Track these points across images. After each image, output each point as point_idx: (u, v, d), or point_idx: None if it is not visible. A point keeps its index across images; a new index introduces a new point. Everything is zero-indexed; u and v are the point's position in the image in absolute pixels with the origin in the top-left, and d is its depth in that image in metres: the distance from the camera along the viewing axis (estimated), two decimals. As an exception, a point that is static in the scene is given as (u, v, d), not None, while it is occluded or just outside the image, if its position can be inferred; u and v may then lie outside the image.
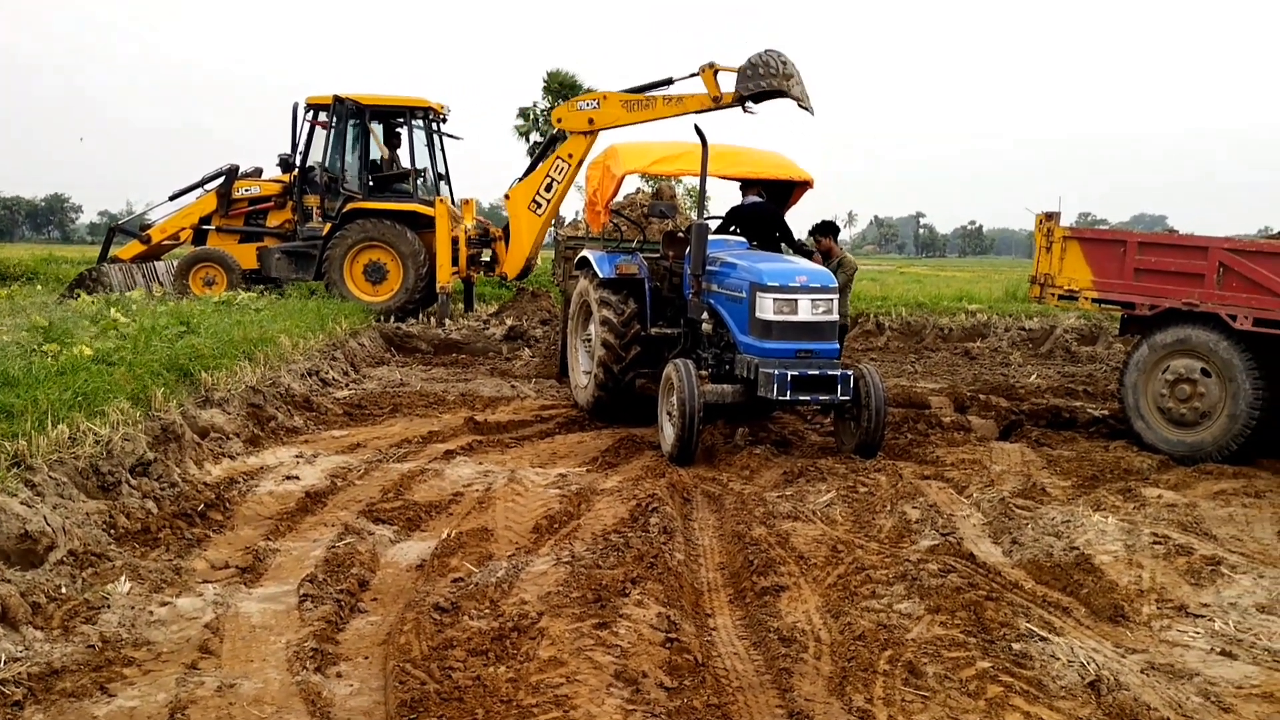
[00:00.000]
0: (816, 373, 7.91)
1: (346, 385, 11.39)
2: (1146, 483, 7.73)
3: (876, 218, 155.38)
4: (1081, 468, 8.22)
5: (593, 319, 9.68)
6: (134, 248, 17.84)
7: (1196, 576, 5.47)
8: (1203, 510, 6.86)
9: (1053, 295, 9.70)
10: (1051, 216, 9.75)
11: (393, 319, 16.11)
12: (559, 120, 14.88)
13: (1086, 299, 9.49)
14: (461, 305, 18.61)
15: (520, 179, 16.66)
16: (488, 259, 18.17)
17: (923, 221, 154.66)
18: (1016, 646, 4.45)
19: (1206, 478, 8.06)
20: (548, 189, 15.47)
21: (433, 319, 16.45)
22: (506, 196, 16.79)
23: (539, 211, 15.63)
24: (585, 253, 10.14)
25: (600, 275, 9.49)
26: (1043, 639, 4.55)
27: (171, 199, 17.80)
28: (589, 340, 10.05)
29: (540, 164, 15.78)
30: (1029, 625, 4.69)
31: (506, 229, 17.87)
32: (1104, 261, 9.35)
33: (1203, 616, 5.01)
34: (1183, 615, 5.03)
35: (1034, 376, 13.64)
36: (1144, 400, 9.08)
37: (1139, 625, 4.91)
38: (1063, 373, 14.22)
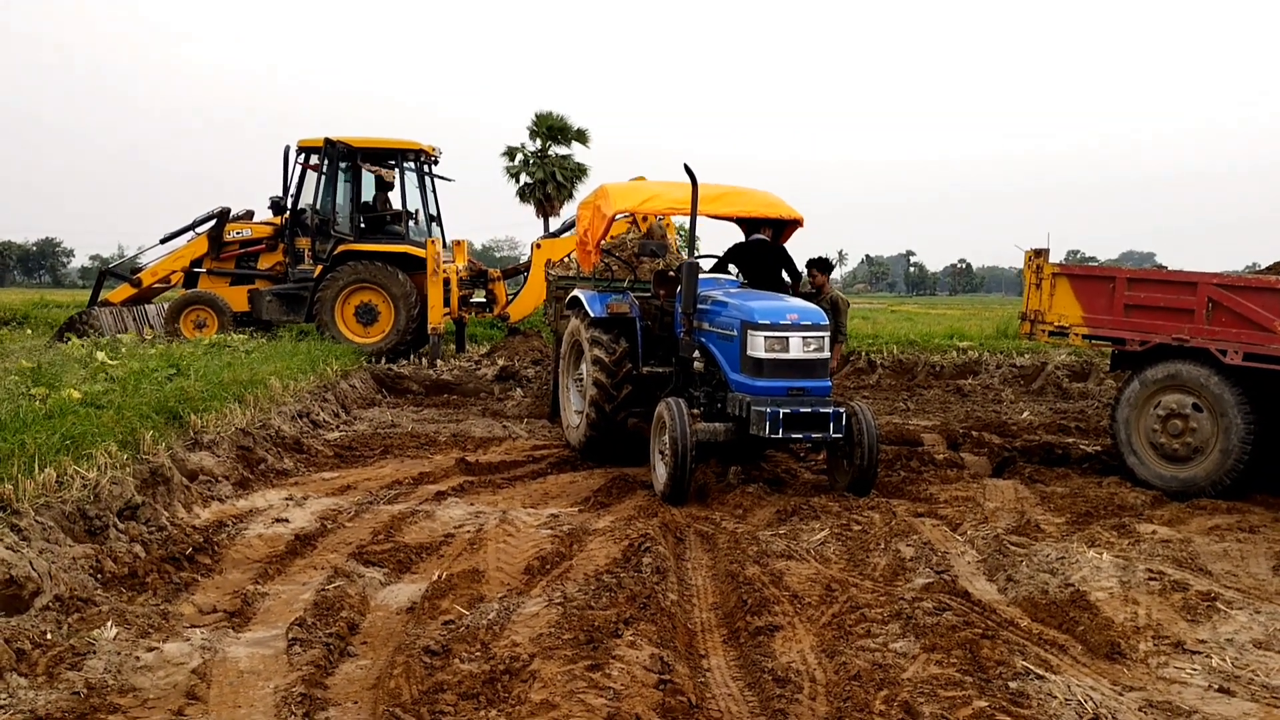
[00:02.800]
0: (808, 410, 7.90)
1: (337, 427, 11.34)
2: (1141, 519, 7.71)
3: (868, 256, 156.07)
4: (1075, 504, 8.20)
5: (584, 358, 9.67)
6: (125, 291, 17.81)
7: (1193, 613, 5.43)
8: (1197, 546, 6.83)
9: (1043, 332, 9.73)
10: (1041, 254, 9.80)
11: (384, 360, 16.10)
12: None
13: (1077, 335, 9.52)
14: (453, 346, 18.62)
15: (553, 234, 17.05)
16: (481, 300, 18.23)
17: (913, 260, 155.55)
18: (1013, 685, 4.40)
19: (1200, 513, 8.03)
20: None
21: (424, 360, 16.44)
22: (537, 245, 17.10)
23: (552, 266, 16.13)
24: (576, 292, 10.15)
25: (591, 314, 9.50)
26: (1039, 677, 4.50)
27: (162, 242, 17.83)
28: (580, 380, 10.03)
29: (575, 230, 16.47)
30: (1025, 663, 4.65)
31: (509, 271, 18.09)
32: (1094, 298, 9.39)
33: (1199, 653, 4.97)
34: (1180, 652, 4.99)
35: (1026, 413, 13.64)
36: (1136, 436, 9.08)
37: (1136, 662, 4.87)
38: (1055, 409, 14.23)
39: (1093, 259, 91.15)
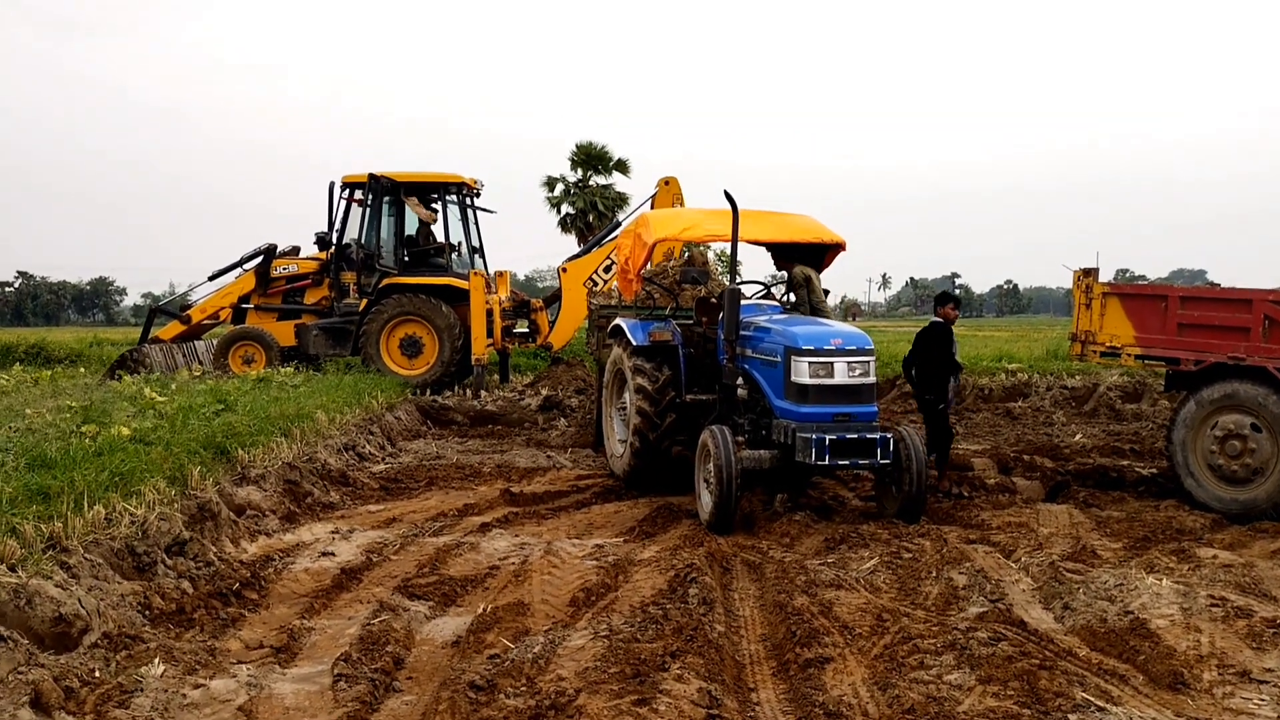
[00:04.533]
0: (855, 436, 7.79)
1: (383, 459, 11.39)
2: (1200, 543, 7.51)
3: (912, 279, 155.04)
4: (1132, 529, 8.00)
5: (627, 387, 9.64)
6: (175, 328, 18.11)
7: (1258, 640, 5.25)
8: (1261, 570, 6.62)
9: (1094, 353, 9.55)
10: (1090, 273, 9.64)
11: (429, 392, 16.19)
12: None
13: (1129, 356, 9.33)
14: (497, 376, 18.69)
15: (577, 255, 17.22)
16: (524, 330, 18.31)
17: (958, 282, 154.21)
18: (1073, 718, 4.28)
19: (1262, 536, 7.81)
20: (606, 270, 16.25)
21: (468, 391, 16.51)
22: (562, 270, 17.18)
23: (594, 289, 16.19)
24: (619, 321, 10.13)
25: (634, 343, 9.47)
26: (1100, 709, 4.37)
27: (211, 279, 18.13)
28: (624, 409, 9.99)
29: (601, 245, 16.53)
30: (1085, 695, 4.51)
31: (549, 299, 18.18)
32: (1146, 317, 9.20)
33: (1267, 682, 4.79)
34: (1246, 681, 4.81)
35: (1078, 435, 13.39)
36: (1193, 458, 8.86)
37: (1200, 693, 4.70)
38: (1108, 431, 13.95)
39: (1142, 277, 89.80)
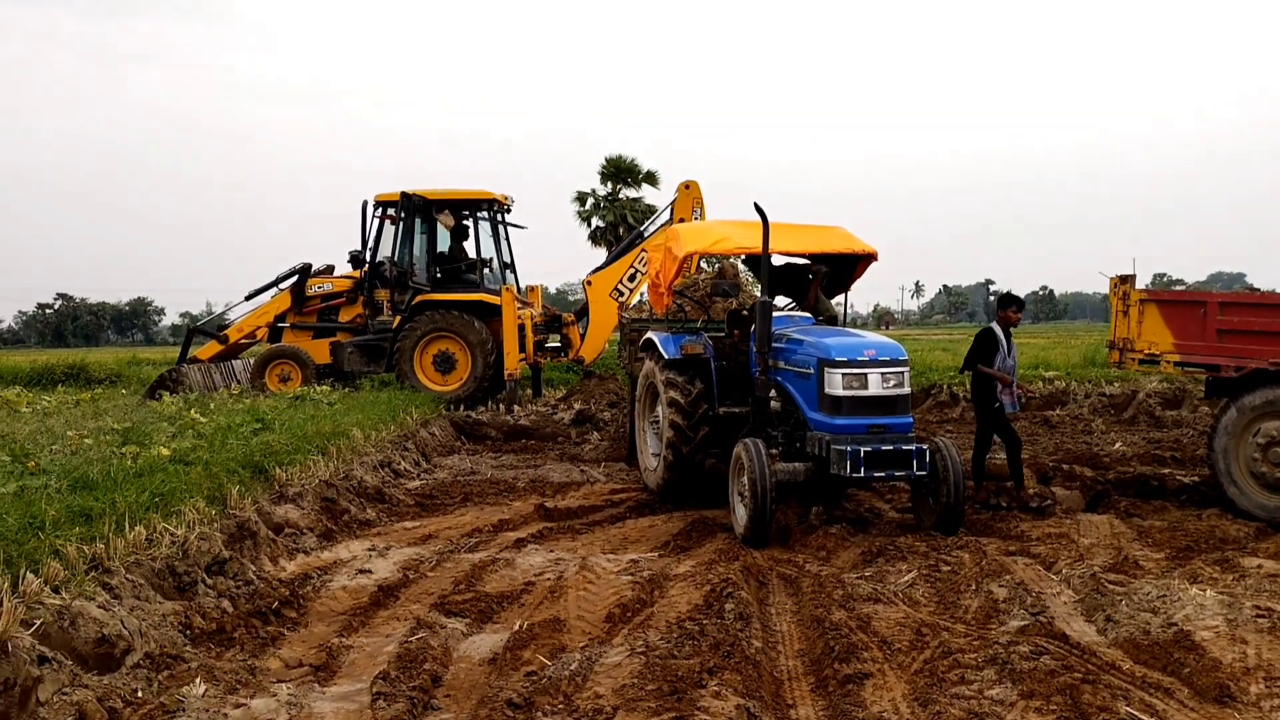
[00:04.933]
0: (890, 448, 7.74)
1: (418, 475, 11.45)
2: (1244, 552, 7.39)
3: (945, 286, 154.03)
4: (1174, 538, 7.89)
5: (660, 401, 9.63)
6: (212, 347, 18.34)
7: (1307, 652, 5.15)
8: (1308, 580, 6.49)
9: (1133, 360, 9.44)
10: (1126, 279, 9.53)
11: (463, 407, 16.28)
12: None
13: (1168, 363, 9.21)
14: (530, 391, 18.76)
15: (601, 267, 17.30)
16: (556, 344, 18.38)
17: (992, 288, 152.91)
18: (1118, 733, 4.21)
19: (1309, 545, 7.67)
20: (631, 278, 16.27)
21: (502, 406, 16.58)
22: (587, 283, 17.26)
23: (621, 299, 16.23)
24: (650, 335, 10.14)
25: (666, 356, 9.47)
26: (1145, 724, 4.30)
27: (248, 299, 18.36)
28: (657, 422, 9.99)
29: (624, 255, 16.61)
30: (1129, 709, 4.45)
31: (579, 313, 18.26)
32: (1185, 323, 9.08)
33: (1317, 695, 4.70)
34: (1295, 694, 4.72)
35: (1118, 444, 13.22)
36: (1236, 465, 8.72)
37: (1247, 706, 4.62)
38: (1148, 439, 13.77)
39: (1179, 282, 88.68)
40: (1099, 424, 15.55)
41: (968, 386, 9.89)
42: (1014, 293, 9.84)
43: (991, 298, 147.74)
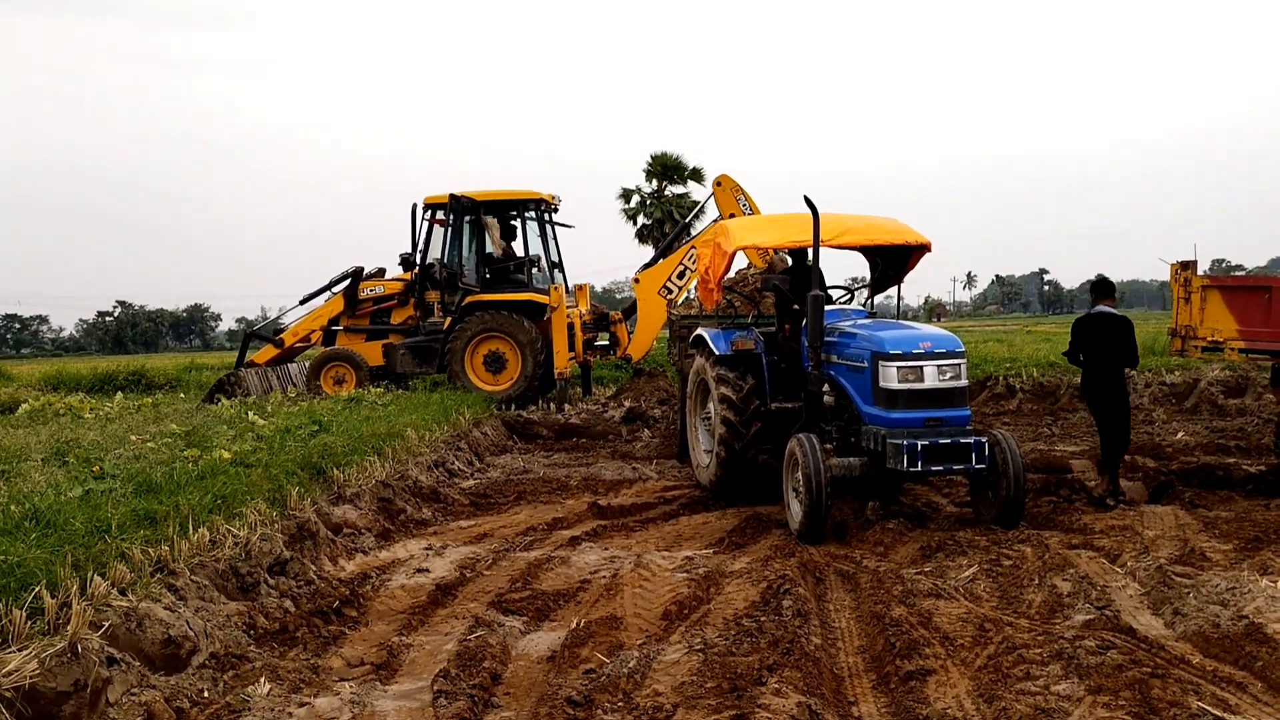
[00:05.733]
0: (948, 441, 7.64)
1: (472, 475, 11.52)
2: (1316, 542, 7.19)
3: (998, 276, 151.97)
4: (1242, 529, 7.70)
5: (711, 397, 9.59)
6: (269, 351, 18.61)
7: (1384, 644, 4.99)
8: (1384, 570, 6.30)
9: (1195, 348, 9.24)
10: (1188, 266, 9.33)
11: (514, 407, 16.35)
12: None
13: (1232, 350, 8.99)
14: (580, 389, 18.80)
15: (649, 265, 17.28)
16: (604, 342, 18.40)
17: (1046, 278, 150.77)
18: (1190, 729, 4.11)
19: (1382, 534, 7.45)
20: (680, 275, 16.26)
21: (552, 405, 16.63)
22: (636, 280, 17.26)
23: (669, 297, 16.20)
24: (700, 331, 10.10)
25: (716, 353, 9.42)
26: (1217, 718, 4.19)
27: (302, 303, 18.58)
28: (708, 419, 9.95)
29: (672, 252, 16.58)
30: (1201, 704, 4.34)
31: (627, 311, 18.27)
32: (1249, 310, 8.87)
33: (1396, 688, 4.55)
34: (1372, 687, 4.58)
35: (1181, 434, 12.94)
36: (1306, 453, 8.50)
37: (1324, 700, 4.49)
38: (1211, 428, 13.46)
39: (1239, 268, 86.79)
40: (1160, 414, 15.23)
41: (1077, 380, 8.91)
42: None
43: (1046, 287, 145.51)
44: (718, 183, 17.32)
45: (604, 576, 6.98)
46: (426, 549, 7.93)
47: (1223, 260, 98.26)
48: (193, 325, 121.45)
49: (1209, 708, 4.31)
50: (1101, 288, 9.35)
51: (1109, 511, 8.55)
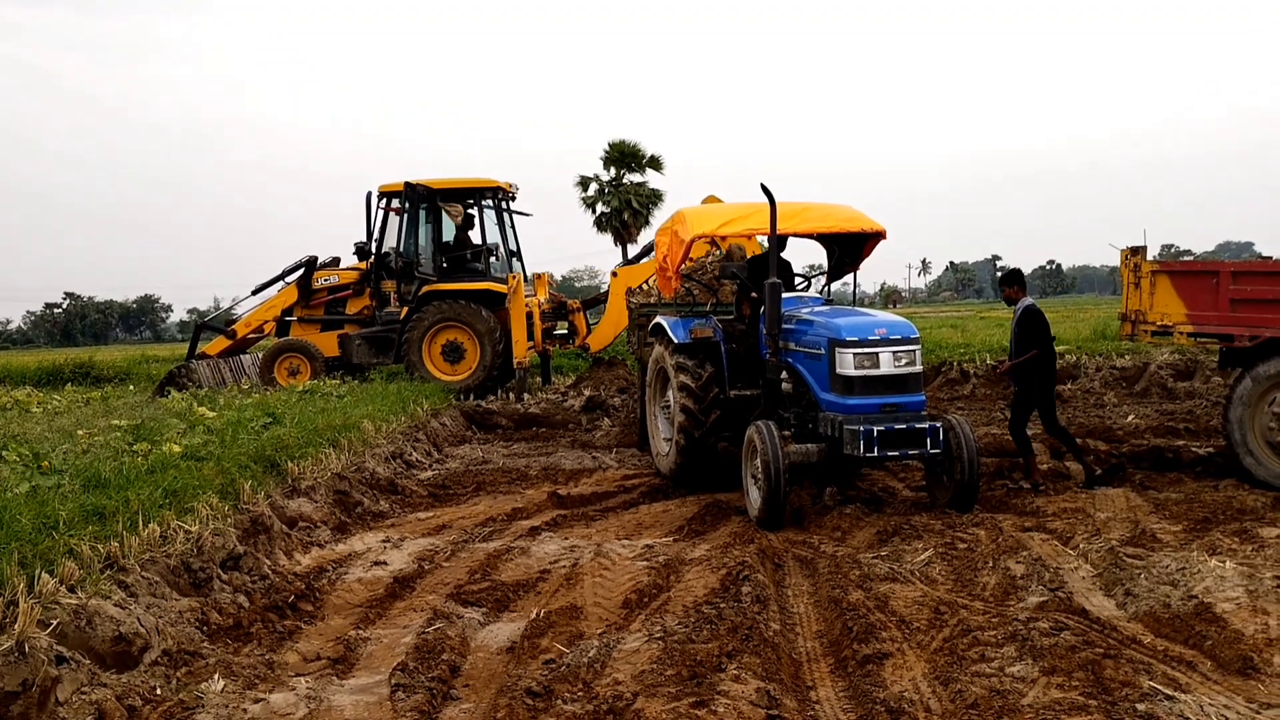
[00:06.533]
0: (904, 427, 7.70)
1: (430, 466, 11.44)
2: (1263, 522, 7.34)
3: (952, 263, 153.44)
4: (1191, 510, 7.84)
5: (670, 385, 9.60)
6: (220, 343, 18.33)
7: (1329, 622, 5.11)
8: (1329, 549, 6.45)
9: (1145, 332, 9.37)
10: (1138, 251, 9.46)
11: (472, 397, 16.25)
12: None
13: (1181, 334, 9.14)
14: (539, 379, 18.73)
15: (629, 262, 17.19)
16: (563, 332, 18.34)
17: (999, 264, 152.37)
18: (1141, 707, 4.18)
19: (1328, 514, 7.62)
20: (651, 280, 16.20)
21: (511, 394, 16.56)
22: (614, 274, 17.22)
23: (631, 300, 16.23)
24: (659, 319, 10.09)
25: (676, 341, 9.43)
26: (1168, 697, 4.28)
27: (254, 293, 18.32)
28: (668, 407, 9.96)
29: (654, 255, 16.73)
30: (1152, 683, 4.41)
31: (588, 301, 18.23)
32: (1197, 294, 9.01)
33: (1342, 665, 4.66)
34: (1319, 664, 4.69)
35: (1131, 417, 13.15)
36: (1252, 435, 8.67)
37: (1271, 677, 4.58)
38: (1161, 411, 13.70)
39: (1188, 252, 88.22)
40: (1111, 397, 15.48)
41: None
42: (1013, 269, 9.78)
43: (999, 273, 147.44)
44: (713, 198, 17.22)
45: (564, 566, 6.96)
46: (384, 541, 7.86)
47: (1172, 246, 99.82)
48: (143, 316, 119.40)
49: (1160, 686, 4.39)
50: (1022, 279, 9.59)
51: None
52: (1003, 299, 9.73)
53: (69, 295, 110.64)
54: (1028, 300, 9.35)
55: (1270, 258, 11.42)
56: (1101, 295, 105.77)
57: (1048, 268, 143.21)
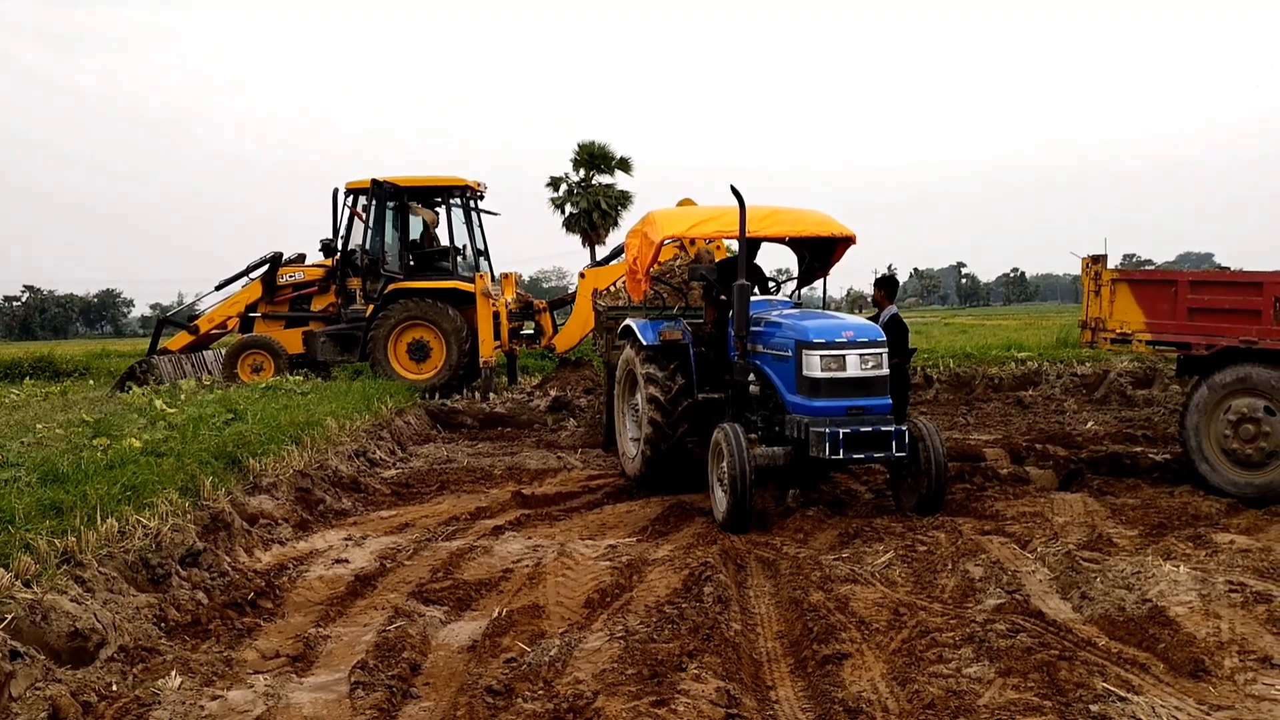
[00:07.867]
0: (869, 430, 7.75)
1: (394, 464, 11.39)
2: (1217, 528, 7.47)
3: (916, 269, 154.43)
4: (1147, 515, 7.96)
5: (639, 387, 9.61)
6: (183, 338, 18.13)
7: (1278, 625, 5.21)
8: (1278, 554, 6.57)
9: (1105, 339, 9.51)
10: (1098, 259, 9.60)
11: (438, 395, 16.19)
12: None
13: (1140, 342, 9.28)
14: (505, 378, 18.68)
15: (599, 264, 17.15)
16: (530, 332, 18.31)
17: (964, 271, 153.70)
18: (1094, 708, 4.24)
19: (1279, 520, 7.76)
20: (619, 282, 16.19)
21: (477, 394, 16.51)
22: (582, 275, 17.21)
23: (596, 303, 16.23)
24: (628, 322, 10.11)
25: (644, 343, 9.44)
26: (1121, 699, 4.34)
27: (218, 289, 18.13)
28: (636, 409, 9.97)
29: (624, 258, 16.77)
30: (1106, 685, 4.48)
31: (555, 302, 18.20)
32: (1156, 302, 9.16)
33: (1290, 668, 4.75)
34: (1267, 667, 4.78)
35: (1090, 423, 13.33)
36: (1207, 442, 8.81)
37: (1222, 680, 4.67)
38: (1120, 418, 13.90)
39: (1149, 262, 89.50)
40: (1071, 404, 15.67)
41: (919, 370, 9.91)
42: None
43: (963, 280, 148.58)
44: (688, 200, 17.26)
45: (527, 565, 6.96)
46: (346, 539, 7.82)
47: (1133, 255, 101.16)
48: (104, 311, 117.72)
49: (1113, 688, 4.45)
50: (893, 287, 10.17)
51: (1020, 499, 8.79)
52: (872, 301, 10.19)
53: (28, 288, 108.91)
54: (893, 308, 9.85)
55: (1228, 268, 11.62)
56: (1064, 303, 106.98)
57: (1011, 275, 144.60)
